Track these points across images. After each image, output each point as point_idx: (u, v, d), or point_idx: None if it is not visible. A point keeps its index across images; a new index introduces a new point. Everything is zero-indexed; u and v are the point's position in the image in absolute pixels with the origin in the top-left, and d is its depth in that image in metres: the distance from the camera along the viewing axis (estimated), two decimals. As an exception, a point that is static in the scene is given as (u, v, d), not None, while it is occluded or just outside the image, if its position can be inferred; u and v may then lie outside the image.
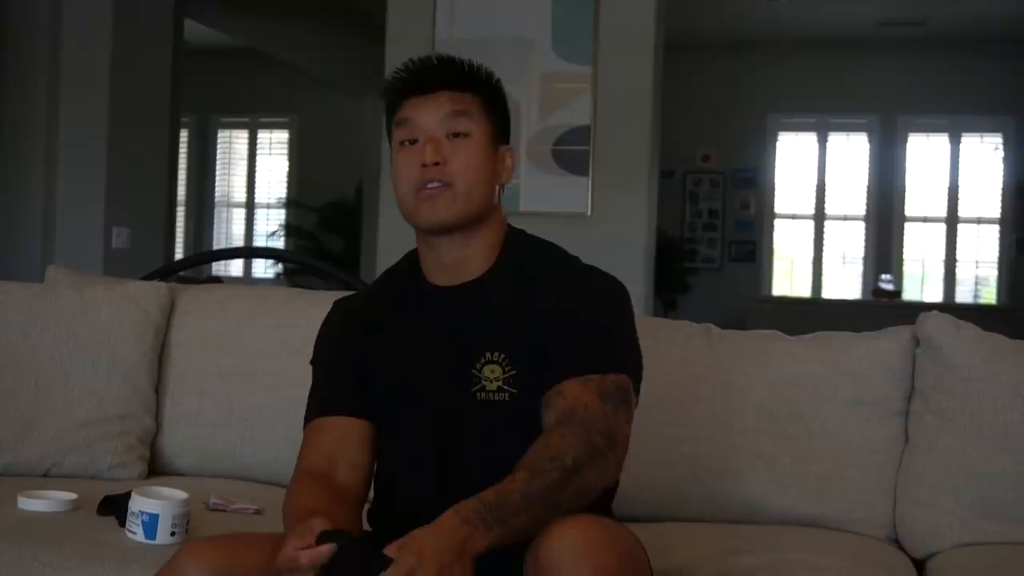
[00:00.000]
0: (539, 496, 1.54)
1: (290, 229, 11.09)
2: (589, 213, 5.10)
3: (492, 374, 1.76)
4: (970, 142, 10.46)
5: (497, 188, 1.86)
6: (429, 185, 1.78)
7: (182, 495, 2.02)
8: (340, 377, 1.89)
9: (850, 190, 10.74)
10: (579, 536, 1.51)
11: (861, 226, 10.71)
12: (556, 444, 1.60)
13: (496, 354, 1.76)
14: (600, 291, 1.83)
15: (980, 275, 10.54)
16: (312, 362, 1.96)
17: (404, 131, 1.82)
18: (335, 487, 1.75)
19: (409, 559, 1.44)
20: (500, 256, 1.86)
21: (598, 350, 1.74)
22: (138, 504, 1.98)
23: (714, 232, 10.93)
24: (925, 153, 10.58)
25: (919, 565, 2.21)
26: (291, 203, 11.44)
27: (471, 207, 1.80)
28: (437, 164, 1.78)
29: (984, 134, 10.44)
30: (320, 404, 1.88)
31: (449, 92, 1.82)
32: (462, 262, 1.84)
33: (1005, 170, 10.29)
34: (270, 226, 11.78)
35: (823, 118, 10.73)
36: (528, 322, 1.78)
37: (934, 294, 10.49)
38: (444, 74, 1.84)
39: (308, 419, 1.89)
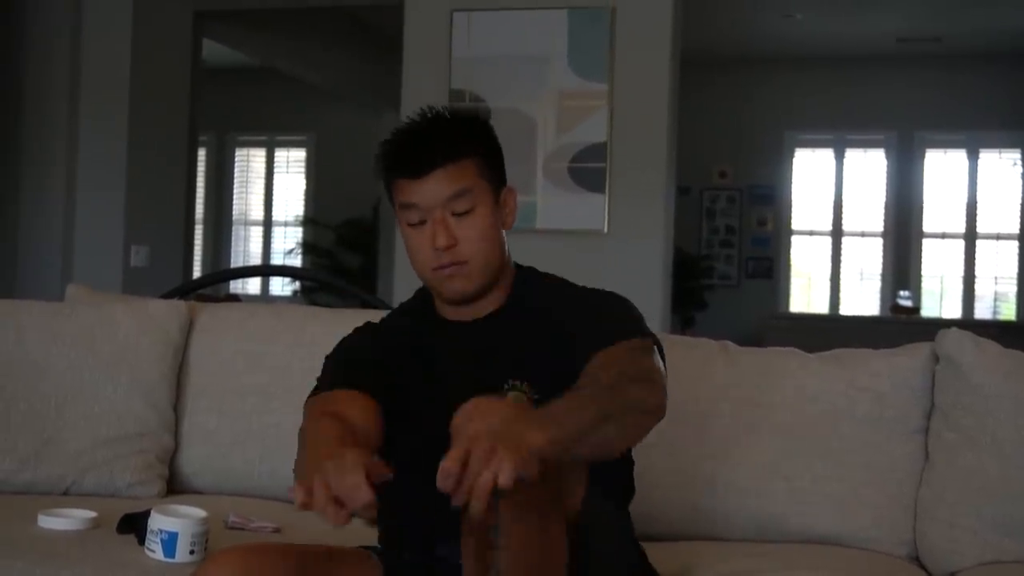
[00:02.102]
0: (595, 396, 1.56)
1: (307, 247, 11.12)
2: (606, 230, 5.10)
3: (516, 400, 1.77)
4: (988, 158, 10.43)
5: (505, 236, 1.89)
6: (445, 269, 1.82)
7: (201, 513, 2.03)
8: (359, 366, 1.87)
9: (867, 206, 10.71)
10: None
11: (879, 242, 10.68)
12: (599, 371, 1.63)
13: (519, 382, 1.79)
14: (607, 296, 1.88)
15: (999, 291, 10.49)
16: (327, 357, 1.94)
17: (409, 214, 1.83)
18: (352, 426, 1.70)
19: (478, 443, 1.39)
20: (511, 293, 1.90)
21: (617, 327, 1.77)
22: (157, 522, 1.99)
23: (731, 248, 10.91)
24: (943, 169, 10.55)
25: (940, 584, 2.21)
26: (308, 221, 11.47)
27: (489, 275, 1.85)
28: (449, 247, 1.80)
29: (1002, 150, 10.40)
30: (338, 380, 1.85)
31: (445, 169, 1.80)
32: (493, 297, 1.89)
33: (1023, 185, 10.25)
34: (287, 244, 11.81)
35: (840, 134, 10.72)
36: (544, 347, 1.81)
37: (953, 310, 10.44)
38: (436, 150, 1.80)
39: (318, 390, 1.85)
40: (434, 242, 1.80)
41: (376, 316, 2.41)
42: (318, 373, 2.55)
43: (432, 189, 1.80)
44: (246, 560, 1.65)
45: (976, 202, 10.39)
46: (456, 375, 1.83)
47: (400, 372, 1.88)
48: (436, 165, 1.79)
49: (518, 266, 1.96)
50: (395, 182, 1.84)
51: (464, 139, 1.83)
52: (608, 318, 1.81)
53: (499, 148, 1.90)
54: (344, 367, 1.89)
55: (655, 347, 1.77)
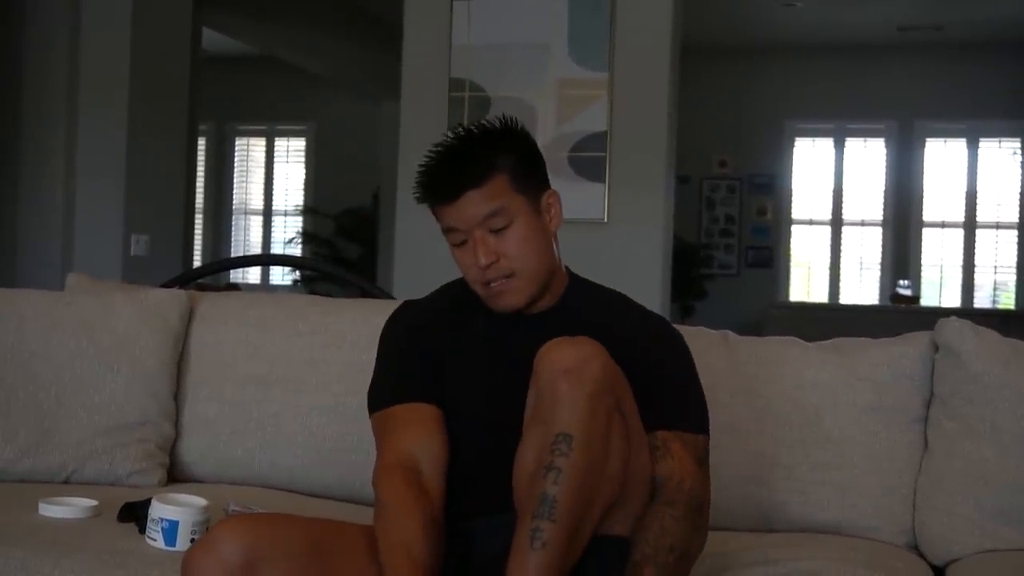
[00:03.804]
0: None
1: (307, 236, 11.11)
2: (605, 219, 5.09)
3: None
4: (988, 147, 10.42)
5: (553, 235, 1.92)
6: (493, 283, 1.86)
7: (201, 502, 2.03)
8: (414, 365, 1.92)
9: (867, 195, 10.71)
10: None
11: (879, 231, 10.68)
12: (671, 529, 1.71)
13: None
14: (675, 344, 1.95)
15: (999, 280, 10.49)
16: (380, 349, 1.99)
17: (452, 236, 1.87)
18: (421, 491, 1.78)
19: None
20: (565, 295, 1.95)
21: (691, 408, 1.87)
22: (158, 511, 1.99)
23: (731, 238, 10.91)
24: (943, 158, 10.54)
25: (939, 572, 2.21)
26: (308, 210, 11.46)
27: (539, 283, 1.89)
28: (492, 263, 1.84)
29: (1002, 139, 10.39)
30: (401, 391, 1.90)
31: (475, 191, 1.82)
32: (547, 296, 1.93)
33: (1023, 175, 10.24)
34: (287, 233, 11.81)
35: (840, 123, 10.70)
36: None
37: (952, 299, 10.44)
38: (463, 174, 1.83)
39: (384, 403, 1.91)
40: (477, 261, 1.83)
41: (377, 306, 2.41)
42: (318, 362, 2.58)
43: (466, 211, 1.83)
44: (256, 529, 1.66)
45: (976, 191, 10.39)
46: (496, 368, 1.87)
47: (445, 358, 1.92)
48: (465, 188, 1.82)
49: (571, 272, 2.00)
50: (433, 207, 1.88)
51: (492, 157, 1.85)
52: (683, 389, 1.89)
53: (535, 155, 1.92)
54: (403, 373, 1.93)
55: (707, 443, 1.87)
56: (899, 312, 9.30)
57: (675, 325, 2.09)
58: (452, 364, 1.91)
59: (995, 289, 10.52)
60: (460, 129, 1.88)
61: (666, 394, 1.84)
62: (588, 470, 1.60)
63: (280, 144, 12.21)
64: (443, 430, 1.86)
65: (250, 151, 12.29)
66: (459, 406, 1.88)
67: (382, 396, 1.92)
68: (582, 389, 1.61)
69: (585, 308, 1.94)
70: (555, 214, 1.91)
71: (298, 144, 12.11)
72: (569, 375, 1.62)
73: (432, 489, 1.79)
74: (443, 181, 1.84)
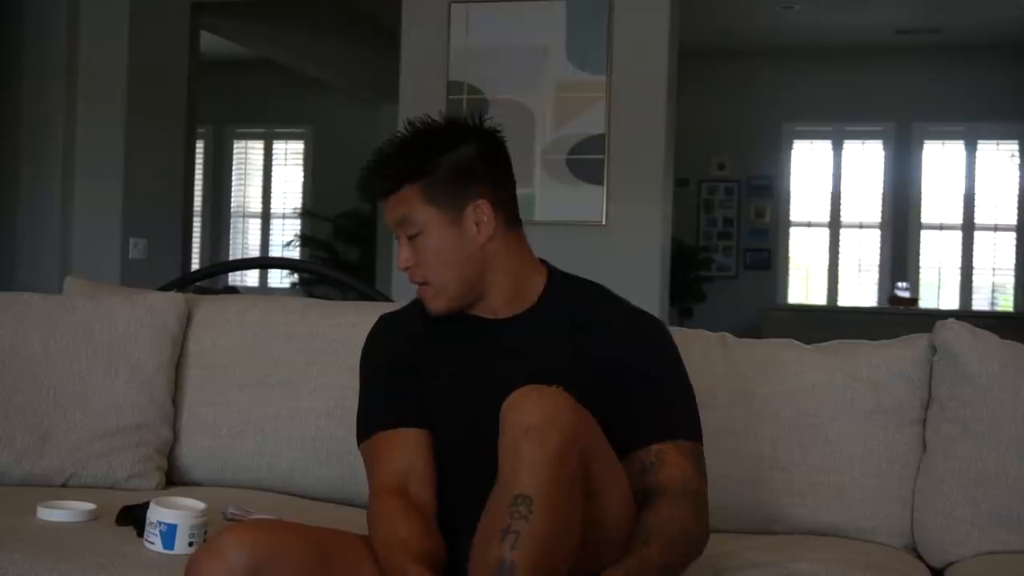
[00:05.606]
0: (671, 566, 1.68)
1: (305, 239, 11.10)
2: (604, 222, 5.10)
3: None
4: (986, 149, 10.42)
5: (482, 245, 1.86)
6: (414, 285, 1.90)
7: (200, 505, 2.03)
8: (396, 390, 1.92)
9: (866, 197, 10.71)
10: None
11: (877, 234, 10.68)
12: (682, 517, 1.72)
13: (551, 382, 1.76)
14: (663, 343, 1.91)
15: (997, 282, 10.49)
16: (362, 375, 1.99)
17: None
18: (412, 505, 1.79)
19: None
20: (545, 291, 1.91)
21: (683, 416, 1.85)
22: (156, 514, 1.99)
23: (729, 240, 10.91)
24: (941, 160, 10.54)
25: (937, 574, 2.21)
26: (306, 213, 11.46)
27: (455, 291, 1.87)
28: (407, 267, 1.87)
29: (1000, 141, 10.39)
30: (382, 419, 1.90)
31: (393, 197, 1.87)
32: (502, 302, 1.90)
33: (1021, 177, 10.24)
34: (286, 236, 11.80)
35: (838, 126, 10.70)
36: (583, 351, 1.82)
37: (950, 302, 10.44)
38: (380, 181, 1.88)
39: (368, 432, 1.91)
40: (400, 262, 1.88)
41: (375, 308, 2.41)
42: (317, 365, 2.58)
43: (387, 214, 1.89)
44: (261, 535, 1.66)
45: (974, 193, 10.39)
46: (476, 376, 1.85)
47: (426, 370, 1.91)
48: (380, 195, 1.88)
49: (551, 268, 1.97)
50: None
51: (407, 169, 1.85)
52: (675, 395, 1.87)
53: (471, 162, 1.86)
54: (386, 400, 1.92)
55: (701, 447, 1.86)
56: (897, 314, 9.29)
57: (672, 327, 2.09)
58: (433, 375, 1.90)
59: (993, 291, 10.53)
60: (407, 127, 1.89)
61: (658, 405, 1.83)
62: (549, 537, 1.54)
63: (278, 147, 12.21)
64: (429, 451, 1.86)
65: (248, 154, 12.28)
66: (442, 417, 1.87)
67: (367, 426, 1.92)
68: (545, 450, 1.55)
69: (567, 309, 1.90)
70: (483, 224, 1.85)
71: (296, 147, 12.11)
72: (530, 435, 1.56)
73: (423, 504, 1.80)
74: (367, 184, 1.90)
